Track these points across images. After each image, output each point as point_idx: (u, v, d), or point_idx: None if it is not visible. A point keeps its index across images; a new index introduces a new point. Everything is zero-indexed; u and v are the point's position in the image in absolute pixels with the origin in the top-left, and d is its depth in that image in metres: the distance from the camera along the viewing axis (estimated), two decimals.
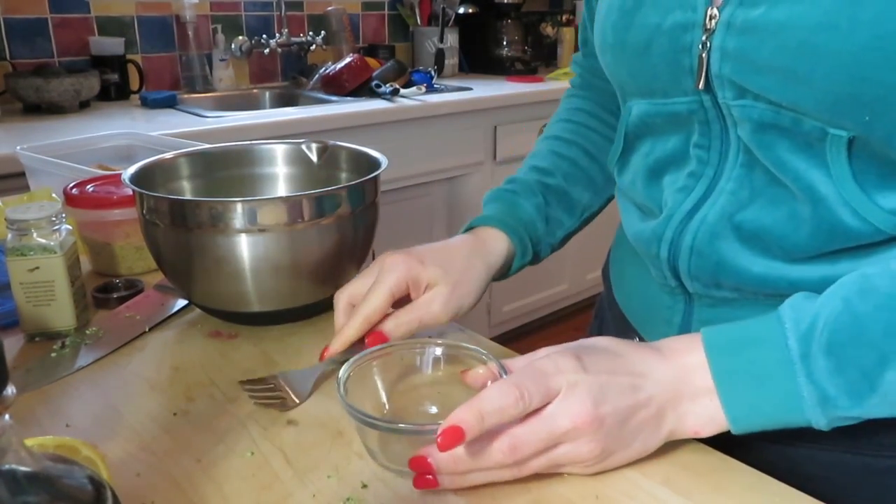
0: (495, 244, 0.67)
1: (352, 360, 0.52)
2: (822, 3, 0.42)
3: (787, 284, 0.51)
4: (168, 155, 0.78)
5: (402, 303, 0.61)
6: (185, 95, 2.10)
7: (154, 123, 1.71)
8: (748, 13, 0.46)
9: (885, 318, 0.44)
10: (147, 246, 0.70)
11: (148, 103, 1.94)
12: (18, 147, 1.06)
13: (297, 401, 0.57)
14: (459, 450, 0.44)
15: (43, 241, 0.64)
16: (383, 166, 0.72)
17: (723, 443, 0.50)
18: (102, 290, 0.76)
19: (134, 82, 2.05)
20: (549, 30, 2.96)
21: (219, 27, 2.22)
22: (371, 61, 2.25)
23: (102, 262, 0.83)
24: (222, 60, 2.21)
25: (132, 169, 0.71)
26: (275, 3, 2.31)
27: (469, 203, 2.25)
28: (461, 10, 2.61)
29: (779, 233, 0.51)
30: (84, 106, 1.88)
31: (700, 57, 0.49)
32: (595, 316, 0.81)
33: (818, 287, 0.48)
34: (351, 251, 0.70)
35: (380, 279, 0.59)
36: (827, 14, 0.42)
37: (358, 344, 0.59)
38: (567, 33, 2.84)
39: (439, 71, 2.50)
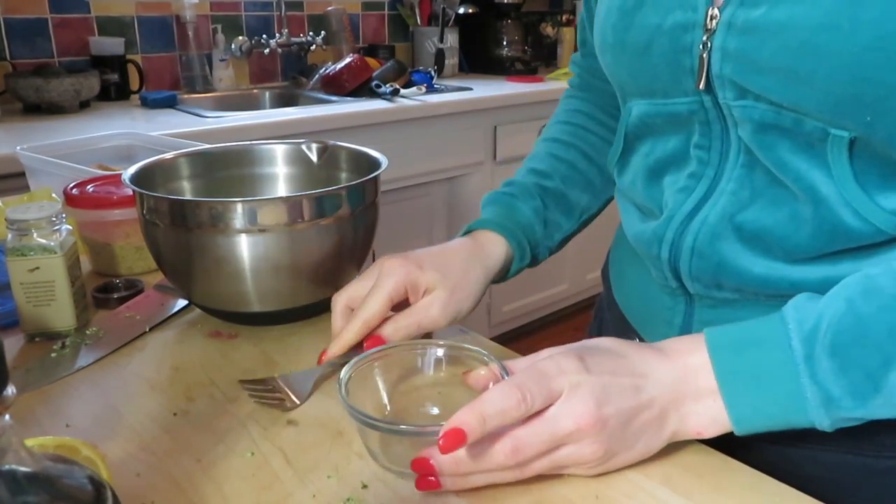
0: (493, 248, 0.67)
1: (353, 361, 0.52)
2: (824, 3, 0.42)
3: (789, 285, 0.51)
4: (168, 155, 0.78)
5: (401, 307, 0.61)
6: (185, 95, 2.10)
7: (154, 123, 1.71)
8: (749, 13, 0.46)
9: (888, 318, 0.44)
10: (147, 246, 0.70)
11: (148, 103, 1.94)
12: (18, 147, 1.06)
13: (297, 402, 0.57)
14: (461, 451, 0.44)
15: (43, 241, 0.64)
16: (383, 166, 0.72)
17: (724, 443, 0.50)
18: (102, 290, 0.76)
19: (134, 82, 2.05)
20: (549, 30, 2.96)
21: (219, 27, 2.22)
22: (371, 61, 2.25)
23: (102, 262, 0.83)
24: (222, 60, 2.22)
25: (132, 169, 0.71)
26: (275, 3, 2.31)
27: (469, 203, 2.25)
28: (461, 10, 2.61)
29: (780, 233, 0.51)
30: (84, 106, 1.88)
31: (701, 57, 0.49)
32: (594, 316, 0.81)
33: (819, 288, 0.48)
34: (351, 251, 0.70)
35: (378, 284, 0.59)
36: (828, 14, 0.42)
37: (356, 347, 0.59)
38: (567, 33, 2.84)
39: (439, 71, 2.50)
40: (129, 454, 0.51)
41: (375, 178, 0.71)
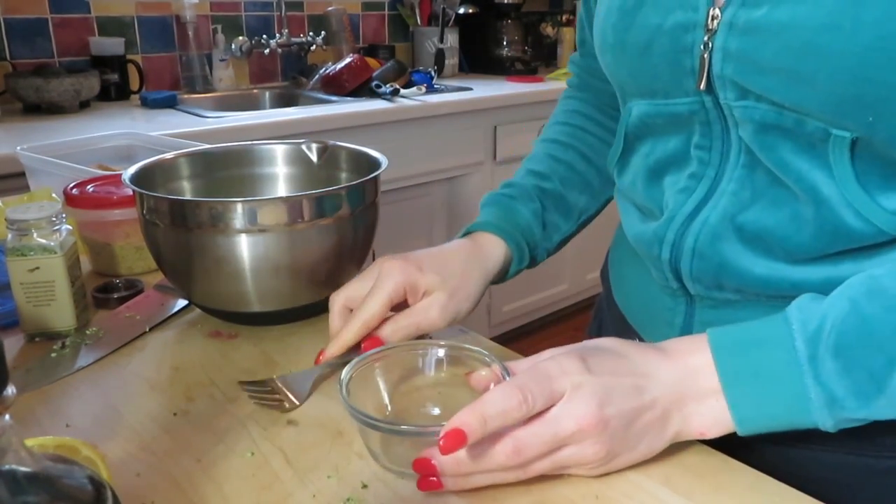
0: (493, 250, 0.67)
1: (354, 361, 0.52)
2: (826, 3, 0.42)
3: (790, 286, 0.51)
4: (168, 155, 0.78)
5: (400, 307, 0.61)
6: (185, 95, 2.10)
7: (154, 123, 1.71)
8: (751, 13, 0.46)
9: (892, 319, 0.44)
10: (147, 246, 0.70)
11: (148, 103, 1.94)
12: (18, 147, 1.06)
13: (297, 402, 0.57)
14: (463, 452, 0.44)
15: (43, 241, 0.64)
16: (383, 166, 0.72)
17: (724, 444, 0.50)
18: (102, 290, 0.76)
19: (134, 82, 2.05)
20: (549, 30, 2.96)
21: (219, 27, 2.22)
22: (371, 61, 2.25)
23: (102, 262, 0.82)
24: (222, 60, 2.21)
25: (132, 169, 0.71)
26: (275, 3, 2.31)
27: (469, 203, 2.25)
28: (461, 10, 2.61)
29: (781, 234, 0.50)
30: (84, 106, 1.88)
31: (702, 57, 0.49)
32: (594, 317, 0.81)
33: (821, 288, 0.48)
34: (351, 251, 0.70)
35: (378, 285, 0.59)
36: (830, 14, 0.42)
37: (354, 348, 0.59)
38: (567, 33, 2.84)
39: (439, 71, 2.50)
40: (129, 454, 0.51)
41: (375, 178, 0.71)
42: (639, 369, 0.47)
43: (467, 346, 0.54)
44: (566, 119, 0.78)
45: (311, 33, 2.40)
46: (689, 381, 0.47)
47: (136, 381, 0.61)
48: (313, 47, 2.38)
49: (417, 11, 2.62)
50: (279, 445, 0.52)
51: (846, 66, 0.42)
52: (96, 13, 2.01)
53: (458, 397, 0.53)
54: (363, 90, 2.12)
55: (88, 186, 0.83)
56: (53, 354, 0.64)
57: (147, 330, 0.69)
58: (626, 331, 0.68)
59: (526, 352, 0.63)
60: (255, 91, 2.29)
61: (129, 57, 2.04)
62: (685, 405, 0.47)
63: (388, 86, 2.09)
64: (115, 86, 2.00)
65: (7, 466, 0.26)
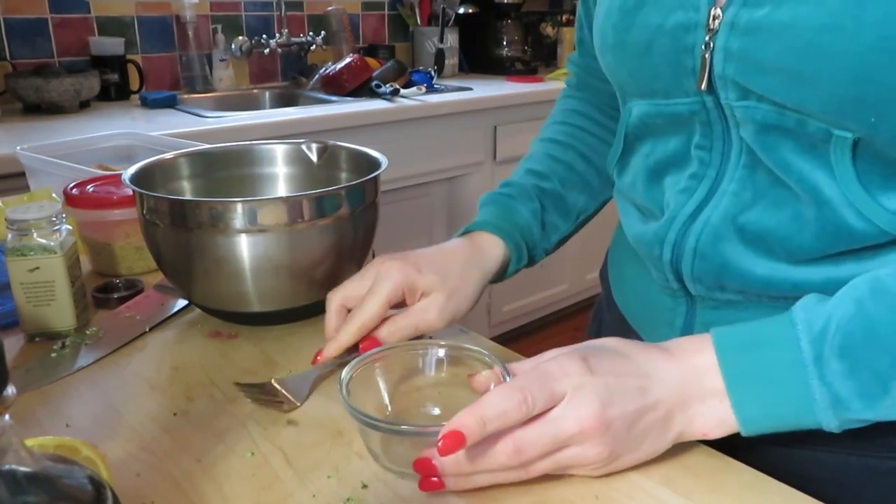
0: (491, 250, 0.67)
1: (354, 361, 0.52)
2: (828, 3, 0.42)
3: (791, 286, 0.51)
4: (168, 155, 0.78)
5: (398, 306, 0.61)
6: (185, 95, 2.10)
7: (154, 123, 1.71)
8: (752, 13, 0.46)
9: None
10: (147, 246, 0.70)
11: (148, 103, 1.94)
12: (18, 147, 1.06)
13: (297, 403, 0.57)
14: (463, 452, 0.44)
15: (43, 241, 0.64)
16: (383, 166, 0.72)
17: (725, 444, 0.50)
18: (102, 290, 0.76)
19: (134, 82, 2.05)
20: (549, 30, 2.96)
21: (219, 27, 2.22)
22: (371, 61, 2.25)
23: (102, 262, 0.82)
24: (222, 60, 2.21)
25: (132, 169, 0.71)
26: (275, 3, 2.31)
27: (469, 203, 2.25)
28: (461, 10, 2.61)
29: (783, 234, 0.50)
30: (84, 106, 1.88)
31: (703, 57, 0.49)
32: (593, 318, 0.81)
33: (822, 289, 0.48)
34: (351, 251, 0.70)
35: (376, 286, 0.59)
36: (832, 15, 0.42)
37: (352, 349, 0.59)
38: (567, 33, 2.84)
39: (439, 71, 2.50)
40: (129, 454, 0.51)
41: (375, 178, 0.71)
42: (642, 370, 0.47)
43: (467, 346, 0.54)
44: (565, 118, 0.78)
45: (311, 33, 2.39)
46: (692, 382, 0.47)
47: (136, 381, 0.61)
48: (313, 47, 2.37)
49: (417, 11, 2.62)
50: (279, 445, 0.52)
51: (848, 66, 0.42)
52: (96, 13, 2.01)
53: (459, 397, 0.53)
54: (363, 90, 2.12)
55: (88, 186, 0.83)
56: (53, 354, 0.64)
57: (147, 330, 0.69)
58: (625, 331, 0.68)
59: (526, 352, 0.63)
60: (255, 91, 2.29)
61: (129, 57, 2.04)
62: (688, 406, 0.47)
63: (388, 86, 2.08)
64: (115, 86, 2.00)
65: (7, 466, 0.26)
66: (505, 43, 2.73)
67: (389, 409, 0.53)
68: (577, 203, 0.74)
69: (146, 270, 0.82)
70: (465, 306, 0.63)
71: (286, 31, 2.31)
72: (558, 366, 0.46)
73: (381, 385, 0.53)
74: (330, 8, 2.44)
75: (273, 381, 0.59)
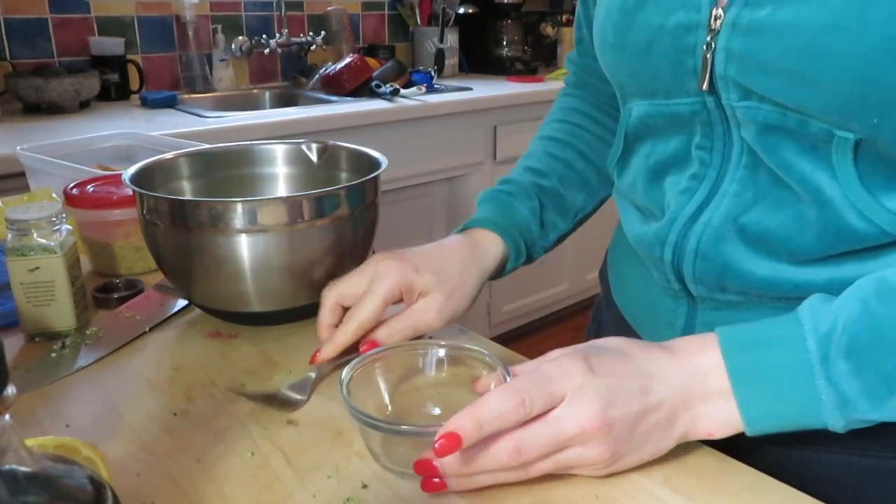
0: (490, 247, 0.67)
1: (354, 361, 0.52)
2: (830, 3, 0.42)
3: (793, 287, 0.51)
4: (168, 155, 0.78)
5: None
6: (185, 95, 2.10)
7: (154, 123, 1.71)
8: (754, 14, 0.45)
9: None
10: (147, 246, 0.70)
11: (148, 103, 1.94)
12: (18, 147, 1.06)
13: (300, 398, 0.57)
14: (465, 452, 0.44)
15: (43, 241, 0.64)
16: (383, 166, 0.72)
17: (727, 444, 0.49)
18: (102, 290, 0.76)
19: (134, 82, 2.05)
20: (549, 30, 2.96)
21: (219, 27, 2.22)
22: (371, 61, 2.25)
23: (102, 262, 0.82)
24: (222, 60, 2.21)
25: (132, 169, 0.71)
26: (275, 3, 2.31)
27: (469, 203, 2.25)
28: (461, 10, 2.61)
29: (784, 235, 0.50)
30: (84, 106, 1.88)
31: (704, 58, 0.49)
32: (592, 318, 0.81)
33: (824, 289, 0.48)
34: (351, 251, 0.70)
35: (374, 286, 0.59)
36: (835, 15, 0.42)
37: (349, 348, 0.59)
38: (567, 33, 2.84)
39: (439, 71, 2.50)
40: (129, 454, 0.51)
41: (375, 178, 0.71)
42: (644, 370, 0.47)
43: (467, 345, 0.54)
44: (564, 117, 0.78)
45: (311, 33, 2.39)
46: (697, 382, 0.47)
47: (136, 381, 0.61)
48: (313, 47, 2.37)
49: (417, 11, 2.62)
50: (279, 445, 0.52)
51: (851, 67, 0.42)
52: (96, 13, 2.01)
53: (459, 397, 0.53)
54: (363, 90, 2.12)
55: (88, 186, 0.83)
56: (53, 354, 0.64)
57: (147, 330, 0.69)
58: (625, 332, 0.68)
59: (526, 352, 0.63)
60: (255, 91, 2.29)
61: (129, 57, 2.04)
62: (692, 406, 0.47)
63: (388, 86, 2.08)
64: (115, 86, 2.00)
65: (7, 466, 0.26)
66: (505, 43, 2.73)
67: (389, 409, 0.53)
68: (575, 201, 0.74)
69: (146, 270, 0.82)
70: (464, 305, 0.63)
71: (286, 31, 2.31)
72: (559, 366, 0.46)
73: (382, 385, 0.53)
74: (330, 8, 2.44)
75: (282, 389, 0.58)
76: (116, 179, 0.84)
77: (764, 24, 0.45)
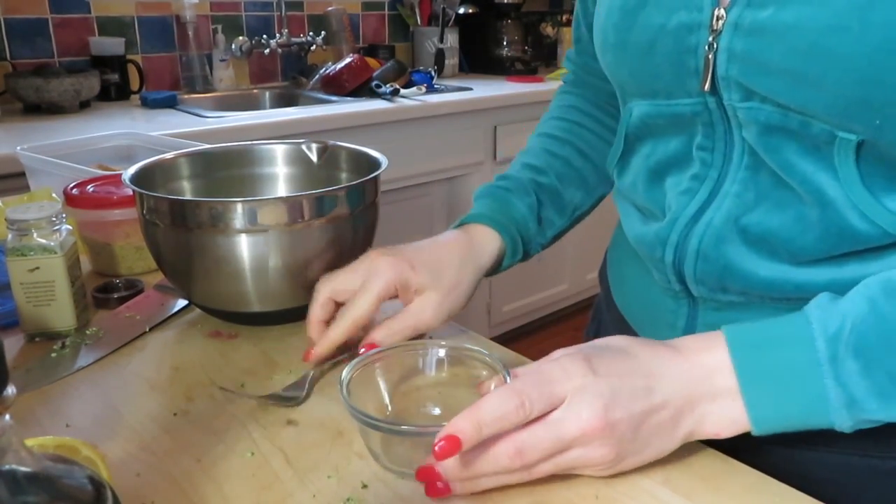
0: (486, 244, 0.66)
1: (354, 361, 0.52)
2: (833, 4, 0.42)
3: (795, 288, 0.51)
4: (168, 155, 0.78)
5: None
6: (186, 95, 2.10)
7: (154, 123, 1.71)
8: (756, 14, 0.45)
9: None
10: (147, 246, 0.70)
11: (148, 103, 1.94)
12: (18, 147, 1.06)
13: (300, 394, 0.57)
14: (466, 455, 0.44)
15: (43, 241, 0.64)
16: (383, 166, 0.72)
17: (728, 445, 0.49)
18: (102, 290, 0.76)
19: (134, 82, 2.05)
20: (549, 30, 2.96)
21: (219, 27, 2.22)
22: (371, 61, 2.25)
23: (102, 262, 0.82)
24: (222, 60, 2.21)
25: (132, 169, 0.71)
26: (275, 3, 2.31)
27: (469, 203, 2.23)
28: (461, 10, 2.61)
29: (786, 236, 0.50)
30: (84, 106, 1.88)
31: (706, 58, 0.49)
32: (592, 318, 0.80)
33: (826, 290, 0.48)
34: (351, 251, 0.69)
35: (369, 283, 0.59)
36: (838, 16, 0.42)
37: (343, 347, 0.59)
38: (567, 33, 2.84)
39: (439, 71, 2.50)
40: (129, 454, 0.51)
41: (375, 178, 0.71)
42: (647, 369, 0.46)
43: (467, 345, 0.54)
44: (562, 114, 0.77)
45: (311, 33, 2.39)
46: (703, 381, 0.46)
47: (136, 381, 0.61)
48: (313, 47, 2.37)
49: (417, 11, 2.62)
50: (279, 445, 0.52)
51: (854, 68, 0.42)
52: (96, 13, 2.01)
53: (459, 397, 0.53)
54: (363, 90, 2.12)
55: (88, 186, 0.83)
56: (53, 354, 0.64)
57: (147, 330, 0.69)
58: (625, 332, 0.67)
59: (526, 352, 0.63)
60: (255, 91, 2.29)
61: (129, 57, 2.04)
62: (698, 405, 0.46)
63: (388, 86, 2.08)
64: (115, 86, 2.00)
65: (7, 466, 0.26)
66: (505, 43, 2.73)
67: (389, 409, 0.53)
68: (573, 199, 0.73)
69: (146, 270, 0.82)
70: (461, 302, 0.62)
71: (286, 31, 2.31)
72: (559, 367, 0.46)
73: (382, 385, 0.53)
74: (330, 8, 2.44)
75: (281, 390, 0.58)
76: (116, 179, 0.84)
77: (766, 24, 0.45)
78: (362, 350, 0.57)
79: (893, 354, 0.43)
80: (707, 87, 0.50)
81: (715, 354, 0.47)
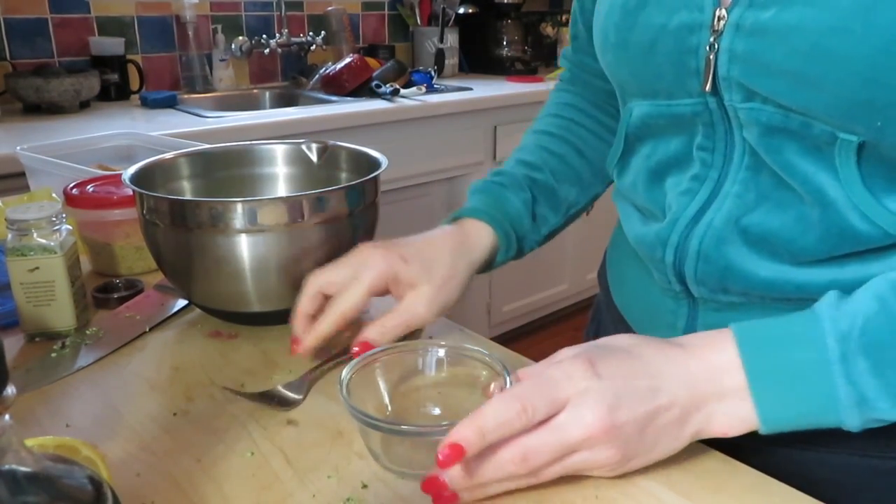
0: (480, 239, 0.66)
1: (354, 361, 0.52)
2: (835, 5, 0.42)
3: (795, 288, 0.51)
4: (168, 155, 0.78)
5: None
6: (185, 95, 2.10)
7: (154, 123, 1.71)
8: (758, 15, 0.45)
9: None
10: (147, 246, 0.70)
11: (148, 103, 1.94)
12: (18, 147, 1.06)
13: (298, 398, 0.57)
14: (471, 463, 0.43)
15: (43, 241, 0.64)
16: (383, 166, 0.72)
17: (728, 445, 0.49)
18: (102, 290, 0.76)
19: (134, 82, 2.05)
20: (549, 30, 2.96)
21: (219, 27, 2.22)
22: (371, 61, 2.25)
23: (102, 262, 0.82)
24: (222, 60, 2.21)
25: (132, 169, 0.71)
26: (275, 3, 2.31)
27: None
28: (461, 10, 2.61)
29: (786, 236, 0.50)
30: (84, 106, 1.88)
31: (707, 59, 0.49)
32: (591, 319, 0.80)
33: (827, 290, 0.48)
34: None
35: (360, 275, 0.59)
36: (840, 17, 0.41)
37: (335, 345, 0.59)
38: (567, 33, 2.83)
39: (439, 71, 2.50)
40: (129, 454, 0.51)
41: (375, 178, 0.71)
42: (652, 369, 0.46)
43: (467, 345, 0.54)
44: (558, 111, 0.77)
45: (311, 33, 2.39)
46: (710, 380, 0.46)
47: (136, 381, 0.61)
48: (313, 47, 2.37)
49: (417, 11, 2.62)
50: (279, 445, 0.52)
51: (856, 69, 0.42)
52: (96, 13, 2.01)
53: (459, 397, 0.53)
54: (363, 90, 2.12)
55: (88, 186, 0.83)
56: (53, 354, 0.64)
57: (147, 330, 0.69)
58: (625, 332, 0.67)
59: (526, 352, 0.63)
60: (255, 91, 2.29)
61: (129, 57, 2.04)
62: (705, 404, 0.46)
63: (388, 86, 2.08)
64: (115, 86, 2.00)
65: (7, 466, 0.26)
66: (505, 43, 2.73)
67: (389, 409, 0.53)
68: (568, 196, 0.73)
69: (146, 270, 0.82)
70: (454, 297, 0.62)
71: (286, 31, 2.31)
72: (562, 370, 0.45)
73: (381, 385, 0.53)
74: (330, 8, 2.44)
75: (279, 387, 0.58)
76: (116, 179, 0.84)
77: (768, 25, 0.45)
78: (356, 349, 0.57)
79: None
80: (708, 87, 0.49)
81: (723, 353, 0.46)
